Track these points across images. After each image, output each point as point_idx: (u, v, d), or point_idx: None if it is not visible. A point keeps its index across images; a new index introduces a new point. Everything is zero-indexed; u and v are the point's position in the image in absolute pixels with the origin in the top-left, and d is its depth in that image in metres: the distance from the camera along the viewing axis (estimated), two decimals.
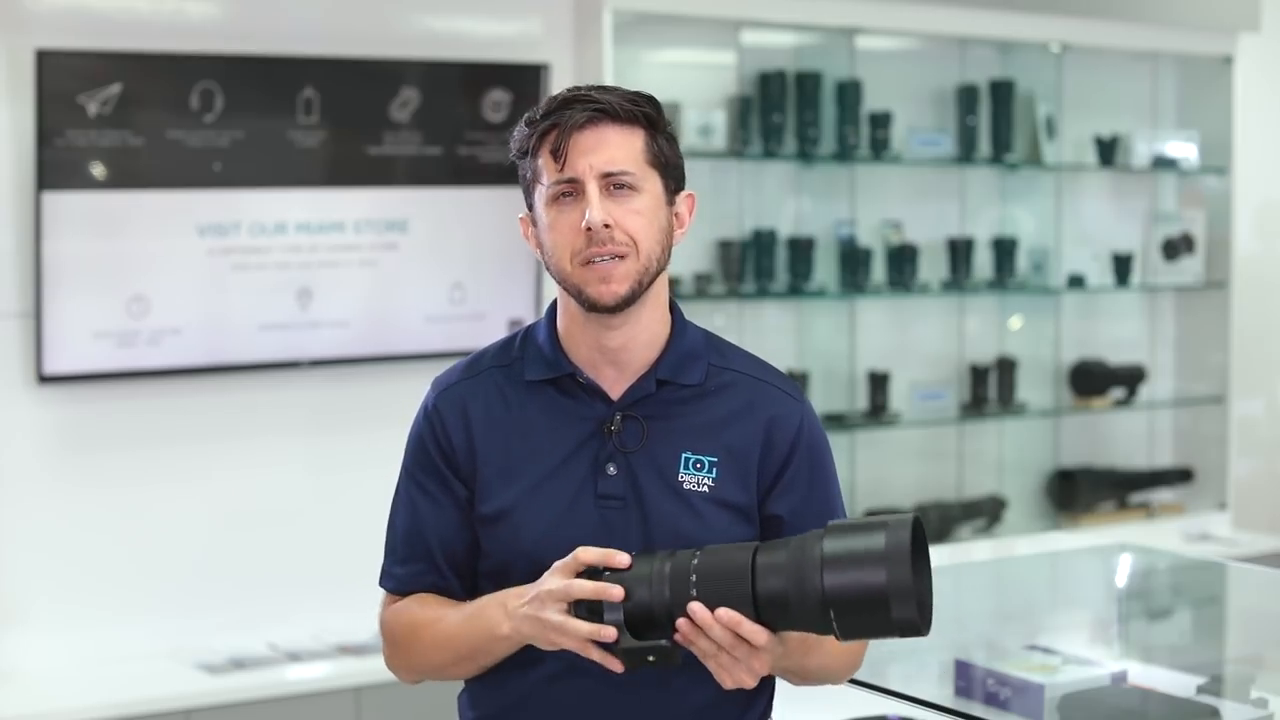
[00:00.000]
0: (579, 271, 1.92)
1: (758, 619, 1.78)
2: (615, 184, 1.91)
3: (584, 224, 1.89)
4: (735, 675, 1.81)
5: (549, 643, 1.85)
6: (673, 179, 1.98)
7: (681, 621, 1.78)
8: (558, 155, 1.91)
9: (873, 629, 1.76)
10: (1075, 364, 5.86)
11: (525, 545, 1.92)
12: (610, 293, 1.91)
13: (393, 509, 2.06)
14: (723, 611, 1.76)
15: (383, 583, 2.06)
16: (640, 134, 1.94)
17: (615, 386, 1.98)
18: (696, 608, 1.77)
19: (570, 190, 1.91)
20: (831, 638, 1.91)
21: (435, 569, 2.01)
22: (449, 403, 2.01)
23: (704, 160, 4.93)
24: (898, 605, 1.71)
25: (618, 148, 1.92)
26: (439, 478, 2.00)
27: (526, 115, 1.97)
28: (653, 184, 1.94)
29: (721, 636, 1.77)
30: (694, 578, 1.78)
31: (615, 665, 1.81)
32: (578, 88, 1.96)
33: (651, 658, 1.80)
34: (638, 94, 1.96)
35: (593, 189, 1.90)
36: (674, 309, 2.03)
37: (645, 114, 1.94)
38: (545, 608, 1.83)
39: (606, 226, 1.89)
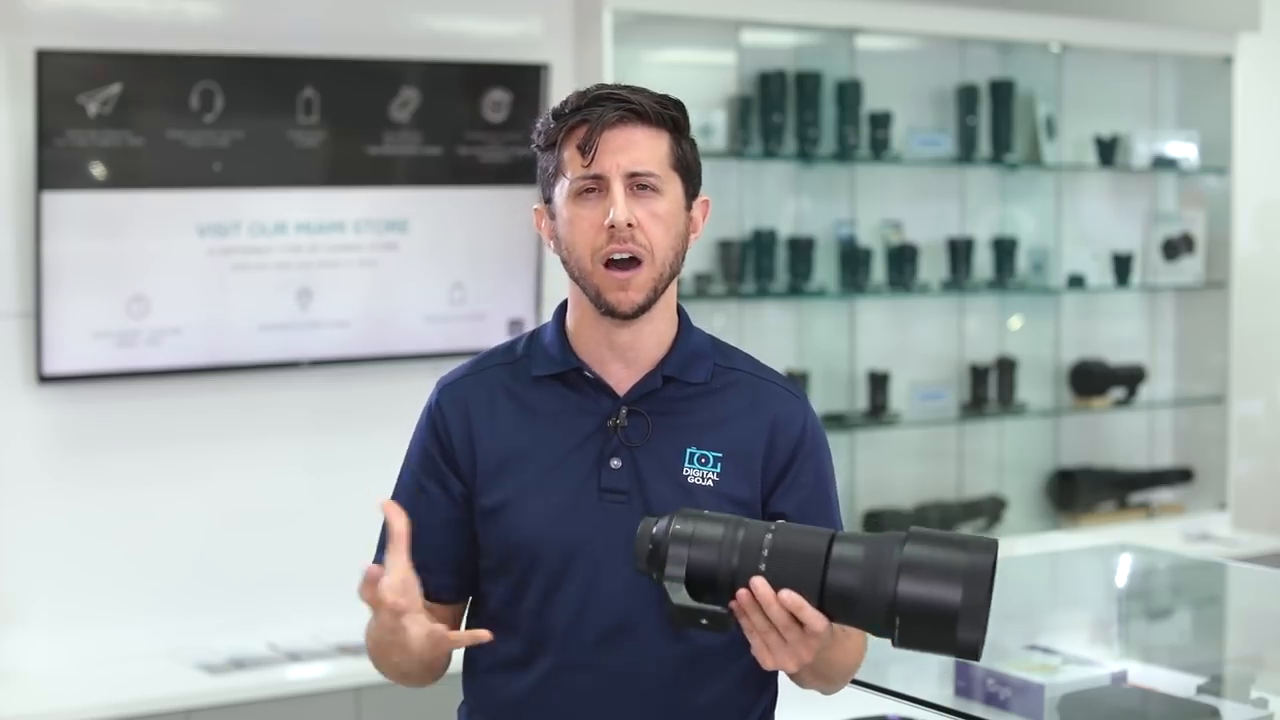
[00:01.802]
0: (599, 272, 1.93)
1: (820, 608, 1.74)
2: (639, 184, 1.93)
3: (607, 221, 1.91)
4: (779, 657, 1.77)
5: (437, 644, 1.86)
6: (692, 184, 2.00)
7: (742, 592, 1.75)
8: (585, 151, 1.92)
9: (932, 644, 1.73)
10: (1075, 364, 5.86)
11: (526, 537, 1.92)
12: (629, 301, 1.93)
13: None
14: (786, 593, 1.73)
15: None
16: (666, 137, 1.96)
17: (622, 383, 1.99)
18: (759, 583, 1.73)
19: (595, 186, 1.93)
20: (853, 632, 1.92)
21: (424, 567, 1.98)
22: (451, 399, 2.03)
23: (704, 160, 4.90)
24: (965, 627, 1.69)
25: (645, 149, 1.93)
26: (438, 475, 2.01)
27: (553, 108, 1.98)
28: (674, 188, 1.96)
29: (778, 616, 1.74)
30: (765, 552, 1.75)
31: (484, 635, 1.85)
32: (605, 85, 1.98)
33: (705, 620, 1.75)
34: (665, 97, 1.98)
35: (618, 187, 1.92)
36: (681, 312, 2.05)
37: (673, 118, 1.97)
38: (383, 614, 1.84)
39: (630, 225, 1.91)
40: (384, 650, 1.94)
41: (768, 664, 1.78)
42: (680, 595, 1.76)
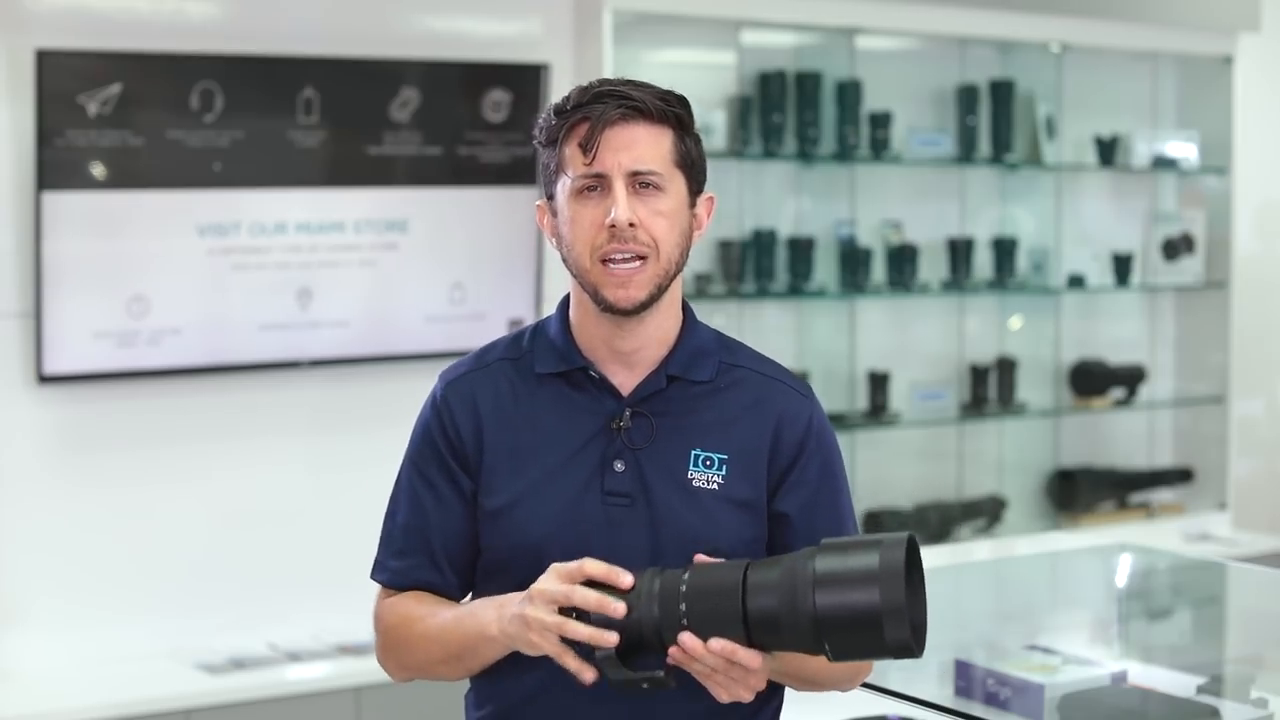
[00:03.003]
0: (598, 270, 1.91)
1: (748, 639, 1.75)
2: (642, 182, 1.90)
3: (608, 221, 1.89)
4: (733, 691, 1.79)
5: (530, 645, 1.81)
6: (696, 180, 1.97)
7: (673, 652, 1.76)
8: (587, 149, 1.90)
9: (865, 650, 1.73)
10: (1075, 364, 5.86)
11: (529, 539, 1.91)
12: (628, 298, 1.91)
13: (392, 501, 2.04)
14: (715, 642, 1.74)
15: (375, 575, 2.03)
16: (669, 134, 1.93)
17: (626, 382, 1.97)
18: (687, 639, 1.74)
19: (596, 184, 1.91)
20: None
21: (432, 564, 1.99)
22: (457, 393, 2.00)
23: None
24: (890, 627, 1.68)
25: (647, 146, 1.91)
26: (444, 470, 1.98)
27: (555, 104, 1.95)
28: (678, 185, 1.94)
29: (715, 664, 1.75)
30: (684, 598, 1.75)
31: (588, 676, 1.78)
32: (608, 81, 1.95)
33: (645, 685, 1.77)
34: (668, 93, 1.95)
35: (620, 186, 1.89)
36: (686, 308, 2.02)
37: (676, 114, 1.94)
38: (538, 607, 1.79)
39: (631, 225, 1.89)
40: (449, 641, 1.92)
41: (723, 698, 1.80)
42: (618, 671, 1.77)
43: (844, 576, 1.70)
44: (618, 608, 1.76)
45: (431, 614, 1.96)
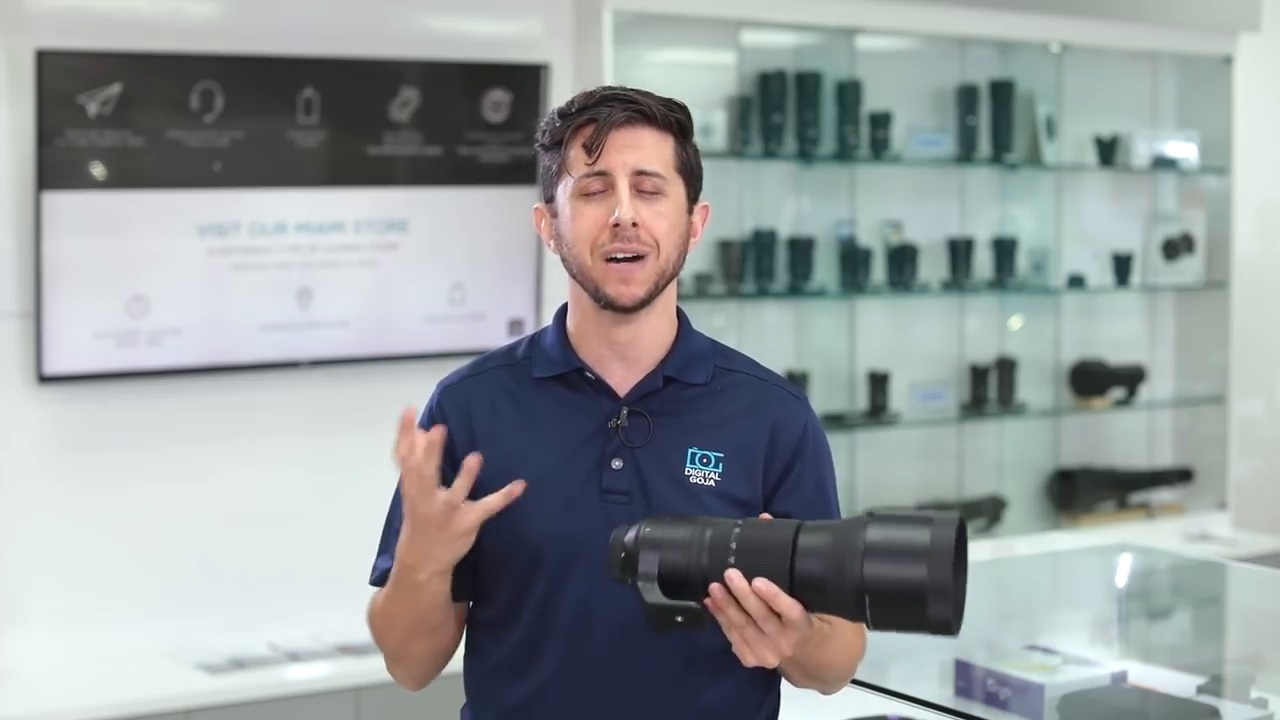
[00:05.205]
0: (599, 267, 1.93)
1: (791, 596, 1.76)
2: (644, 185, 1.94)
3: (612, 220, 1.92)
4: (759, 651, 1.78)
5: (450, 539, 1.83)
6: (694, 188, 2.01)
7: (715, 587, 1.76)
8: (591, 149, 1.93)
9: (905, 623, 1.74)
10: (1075, 364, 5.86)
11: (529, 539, 1.92)
12: (629, 294, 1.94)
13: (392, 506, 2.05)
14: (760, 582, 1.74)
15: (372, 579, 2.05)
16: (671, 140, 1.97)
17: (623, 384, 2.00)
18: (734, 575, 1.75)
19: (600, 186, 1.94)
20: (844, 633, 1.93)
21: None
22: (452, 401, 2.03)
23: (704, 160, 4.90)
24: (934, 603, 1.70)
25: (651, 150, 1.95)
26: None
27: (559, 108, 1.99)
28: (678, 190, 1.98)
29: (755, 608, 1.75)
30: (734, 546, 1.77)
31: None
32: (611, 87, 1.99)
33: (680, 618, 1.78)
34: (671, 100, 1.99)
35: (624, 185, 1.93)
36: (681, 315, 2.06)
37: (679, 120, 1.98)
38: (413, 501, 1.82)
39: (634, 225, 1.92)
40: (395, 610, 1.94)
41: (748, 660, 1.79)
42: (654, 594, 1.77)
43: (894, 549, 1.72)
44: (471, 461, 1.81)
45: (378, 594, 1.99)
